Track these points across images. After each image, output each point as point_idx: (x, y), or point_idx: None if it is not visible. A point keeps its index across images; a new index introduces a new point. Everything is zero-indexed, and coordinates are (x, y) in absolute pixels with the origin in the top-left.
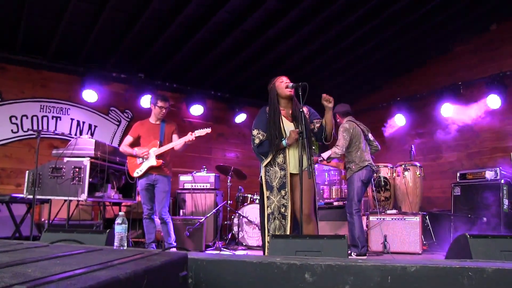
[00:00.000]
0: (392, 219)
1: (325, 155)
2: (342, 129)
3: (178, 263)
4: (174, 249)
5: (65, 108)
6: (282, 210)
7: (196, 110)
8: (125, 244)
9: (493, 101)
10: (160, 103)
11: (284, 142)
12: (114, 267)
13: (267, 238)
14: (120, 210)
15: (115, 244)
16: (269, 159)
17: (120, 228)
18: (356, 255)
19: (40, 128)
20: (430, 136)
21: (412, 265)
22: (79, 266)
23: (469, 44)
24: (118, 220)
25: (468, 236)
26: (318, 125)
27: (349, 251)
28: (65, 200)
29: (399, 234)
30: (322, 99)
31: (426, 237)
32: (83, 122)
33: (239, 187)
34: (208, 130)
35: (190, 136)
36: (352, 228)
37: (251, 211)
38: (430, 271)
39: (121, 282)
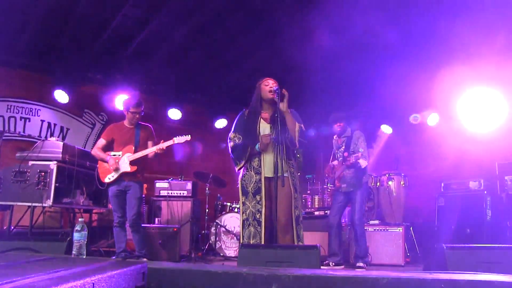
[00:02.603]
0: (375, 229)
1: (363, 163)
2: (363, 137)
3: (134, 274)
4: (144, 259)
5: (35, 109)
6: (257, 216)
7: (175, 114)
8: (84, 253)
9: None
10: (132, 109)
11: (257, 147)
12: (59, 278)
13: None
14: (91, 218)
15: (73, 252)
16: (242, 164)
17: (78, 236)
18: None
19: (7, 129)
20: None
21: (384, 277)
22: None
23: None
24: (77, 227)
25: (445, 247)
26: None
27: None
28: (29, 206)
29: (382, 246)
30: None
31: (410, 249)
32: (55, 124)
33: (218, 195)
34: (188, 137)
35: (161, 145)
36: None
37: (229, 220)
38: (402, 283)
39: None
